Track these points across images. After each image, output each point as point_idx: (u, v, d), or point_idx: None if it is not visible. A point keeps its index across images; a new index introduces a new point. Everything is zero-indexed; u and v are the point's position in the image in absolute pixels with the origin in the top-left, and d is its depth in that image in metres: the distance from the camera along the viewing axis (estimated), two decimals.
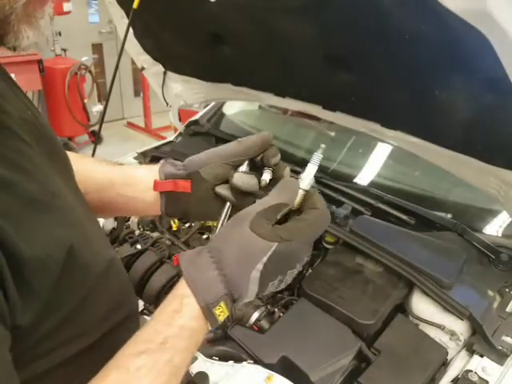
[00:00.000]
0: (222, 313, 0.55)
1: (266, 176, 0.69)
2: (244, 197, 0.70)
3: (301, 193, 0.61)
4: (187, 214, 0.77)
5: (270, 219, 0.57)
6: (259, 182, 0.69)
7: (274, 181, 0.69)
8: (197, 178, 0.71)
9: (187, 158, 0.75)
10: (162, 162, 0.76)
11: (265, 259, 0.55)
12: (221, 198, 0.71)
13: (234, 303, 0.58)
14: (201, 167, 0.71)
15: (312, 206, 0.60)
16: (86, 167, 0.75)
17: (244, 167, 0.71)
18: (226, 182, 0.72)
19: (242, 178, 0.69)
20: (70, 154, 0.71)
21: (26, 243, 0.42)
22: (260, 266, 0.55)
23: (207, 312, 0.54)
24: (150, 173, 0.75)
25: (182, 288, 0.56)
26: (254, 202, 0.62)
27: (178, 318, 0.54)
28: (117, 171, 0.78)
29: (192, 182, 0.72)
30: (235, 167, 0.71)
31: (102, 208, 0.76)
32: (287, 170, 0.69)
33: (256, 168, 0.72)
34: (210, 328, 0.57)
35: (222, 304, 0.55)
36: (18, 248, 0.41)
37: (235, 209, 0.70)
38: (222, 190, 0.71)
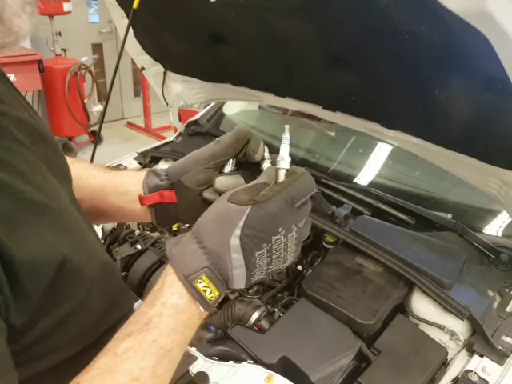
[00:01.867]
0: (206, 288, 0.53)
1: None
2: None
3: (283, 172, 0.60)
4: (180, 222, 0.76)
5: (249, 193, 0.55)
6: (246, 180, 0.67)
7: None
8: (180, 187, 0.70)
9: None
10: (146, 172, 0.75)
11: (241, 223, 0.53)
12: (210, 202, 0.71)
13: (227, 283, 0.55)
14: (182, 175, 0.69)
15: (293, 172, 0.59)
16: (80, 173, 0.74)
17: (229, 166, 0.69)
18: None
19: (224, 181, 0.67)
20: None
21: (18, 246, 0.41)
22: (238, 232, 0.53)
23: (189, 286, 0.53)
24: (138, 182, 0.73)
25: (167, 267, 0.56)
26: None
27: (160, 297, 0.53)
28: (108, 179, 0.77)
29: (176, 192, 0.70)
30: (220, 168, 0.69)
31: (96, 215, 0.76)
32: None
33: (243, 164, 0.69)
34: (202, 308, 0.54)
35: (204, 277, 0.53)
36: (10, 250, 0.40)
37: None
38: (210, 194, 0.68)
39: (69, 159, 0.68)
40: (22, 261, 0.41)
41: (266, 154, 0.68)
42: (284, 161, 0.61)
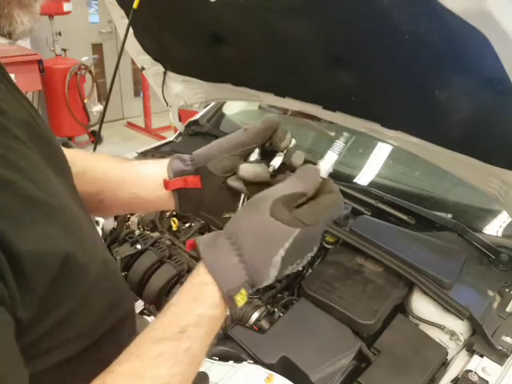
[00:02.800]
0: (241, 299, 0.55)
1: (275, 162, 0.68)
2: (257, 187, 0.69)
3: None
4: (202, 208, 0.76)
5: (289, 205, 0.56)
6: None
7: (284, 165, 0.68)
8: (205, 173, 0.71)
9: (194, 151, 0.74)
10: (170, 157, 0.75)
11: (287, 245, 0.55)
12: (234, 189, 0.71)
13: (253, 288, 0.57)
14: (208, 161, 0.70)
15: (328, 190, 0.60)
16: (99, 165, 0.74)
17: (255, 155, 0.69)
18: None
19: (249, 168, 0.67)
20: (79, 151, 0.70)
21: (23, 239, 0.41)
22: (282, 252, 0.55)
23: (228, 299, 0.54)
24: (159, 169, 0.74)
25: (201, 275, 0.55)
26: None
27: (197, 307, 0.54)
28: (128, 169, 0.77)
29: (201, 177, 0.71)
30: (245, 156, 0.70)
31: (117, 206, 0.77)
32: (298, 154, 0.68)
33: (268, 154, 0.70)
34: (227, 313, 0.57)
35: (243, 291, 0.55)
36: (14, 243, 0.40)
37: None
38: (234, 182, 0.69)
39: (86, 153, 0.68)
40: (27, 254, 0.41)
41: (291, 144, 0.68)
42: (323, 169, 0.60)
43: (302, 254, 0.58)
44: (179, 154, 0.75)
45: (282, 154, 0.68)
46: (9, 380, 0.39)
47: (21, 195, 0.44)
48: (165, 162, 0.75)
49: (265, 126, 0.68)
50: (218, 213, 0.76)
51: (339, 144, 0.63)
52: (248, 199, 0.70)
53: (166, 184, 0.72)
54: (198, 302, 0.54)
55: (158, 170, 0.74)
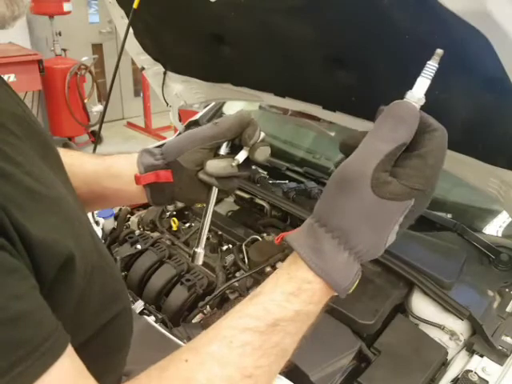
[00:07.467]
0: (355, 286, 0.51)
1: (240, 156, 0.70)
2: (227, 179, 0.71)
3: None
4: (175, 200, 0.77)
5: (389, 168, 0.48)
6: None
7: (249, 159, 0.70)
8: (176, 167, 0.71)
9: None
10: (139, 151, 0.76)
11: (401, 219, 0.49)
12: (205, 182, 0.72)
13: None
14: (179, 155, 0.71)
15: (429, 127, 0.50)
16: (73, 161, 0.74)
17: (224, 148, 0.71)
18: None
19: (215, 164, 0.69)
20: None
21: (33, 227, 0.41)
22: (396, 227, 0.50)
23: (342, 294, 0.50)
24: (131, 163, 0.74)
25: (300, 270, 0.50)
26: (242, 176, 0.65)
27: (295, 303, 0.49)
28: (102, 163, 0.78)
29: (172, 171, 0.72)
30: (215, 149, 0.71)
31: (93, 200, 0.77)
32: (262, 150, 0.69)
33: (236, 147, 0.71)
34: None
35: (357, 280, 0.50)
36: (27, 230, 0.40)
37: (221, 191, 0.72)
38: (205, 175, 0.71)
39: (61, 150, 0.68)
40: (38, 242, 0.41)
41: (259, 139, 0.70)
42: (415, 98, 0.49)
43: (416, 216, 0.52)
44: (148, 148, 0.76)
45: (247, 148, 0.70)
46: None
47: (22, 187, 0.44)
48: (134, 156, 0.75)
49: (237, 121, 0.69)
50: (190, 203, 0.76)
51: (431, 66, 0.51)
52: (218, 191, 0.72)
53: (138, 179, 0.72)
54: (298, 299, 0.49)
55: (128, 163, 0.75)
